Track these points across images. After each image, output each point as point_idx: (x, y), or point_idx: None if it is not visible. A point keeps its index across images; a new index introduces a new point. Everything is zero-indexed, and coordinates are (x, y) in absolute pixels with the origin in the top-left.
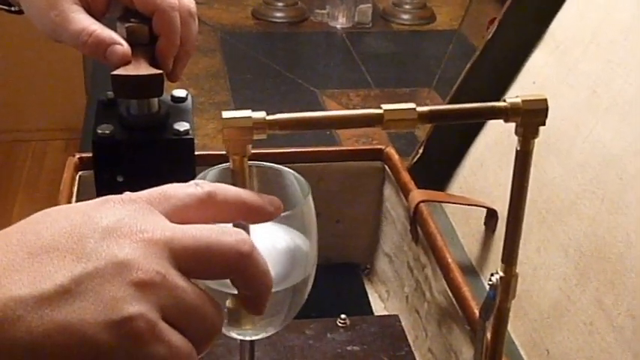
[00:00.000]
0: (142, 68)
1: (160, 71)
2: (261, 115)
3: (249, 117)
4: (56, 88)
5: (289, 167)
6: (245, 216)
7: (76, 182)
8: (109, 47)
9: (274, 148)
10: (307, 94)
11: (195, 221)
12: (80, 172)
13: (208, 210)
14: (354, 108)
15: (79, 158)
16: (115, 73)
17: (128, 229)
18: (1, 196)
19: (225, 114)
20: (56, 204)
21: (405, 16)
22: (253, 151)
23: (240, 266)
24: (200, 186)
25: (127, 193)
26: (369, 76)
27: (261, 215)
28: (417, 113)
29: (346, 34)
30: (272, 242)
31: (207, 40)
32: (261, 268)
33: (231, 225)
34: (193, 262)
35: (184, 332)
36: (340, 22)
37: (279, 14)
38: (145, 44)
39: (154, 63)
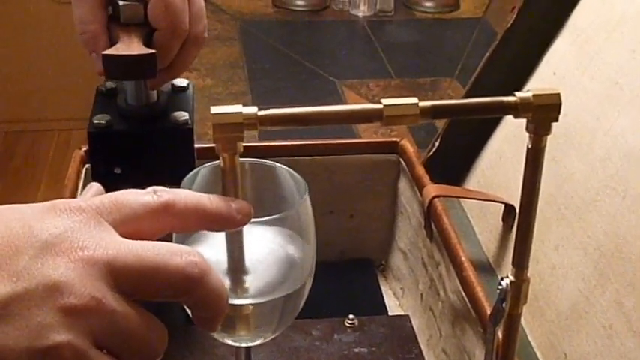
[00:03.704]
0: (134, 48)
1: (153, 51)
2: (252, 110)
3: (240, 112)
4: (80, 78)
5: (301, 160)
6: (207, 225)
7: (82, 176)
8: (93, 52)
9: (286, 140)
10: (326, 84)
11: (149, 232)
12: (87, 166)
13: (164, 221)
14: (373, 98)
15: (84, 151)
16: (106, 52)
17: (68, 245)
18: (26, 185)
19: (214, 109)
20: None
21: (429, 4)
22: (264, 143)
23: (189, 290)
24: (158, 194)
25: (78, 199)
26: (390, 65)
27: (225, 224)
28: (419, 108)
29: (368, 22)
30: (264, 246)
31: (226, 29)
32: (213, 292)
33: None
34: (136, 283)
35: (120, 358)
36: (362, 10)
37: (299, 2)
38: (139, 24)
39: (148, 43)
